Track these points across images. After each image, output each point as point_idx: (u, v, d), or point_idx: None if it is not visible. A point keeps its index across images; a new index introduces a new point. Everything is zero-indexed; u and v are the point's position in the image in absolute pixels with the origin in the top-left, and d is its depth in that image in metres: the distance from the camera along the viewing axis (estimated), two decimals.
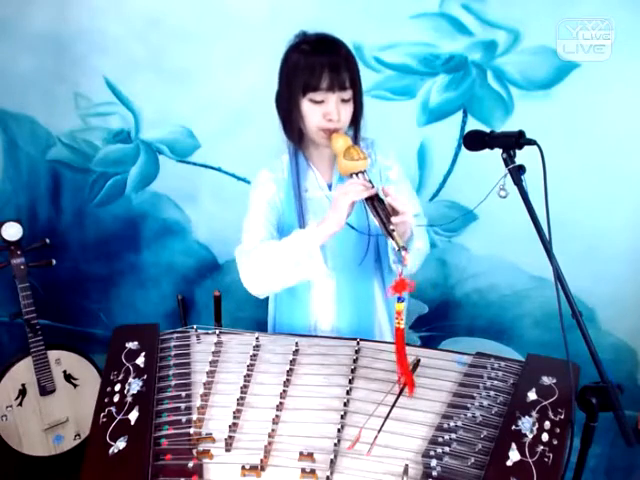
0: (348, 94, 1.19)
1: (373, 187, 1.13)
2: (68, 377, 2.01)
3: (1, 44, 1.94)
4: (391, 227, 1.08)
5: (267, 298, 1.46)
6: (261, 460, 0.91)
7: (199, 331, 1.28)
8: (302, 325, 1.37)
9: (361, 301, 1.36)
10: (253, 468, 0.90)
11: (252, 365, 1.15)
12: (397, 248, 1.06)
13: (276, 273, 1.21)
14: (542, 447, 0.90)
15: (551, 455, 0.89)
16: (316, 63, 1.15)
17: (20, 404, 1.94)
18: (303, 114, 1.21)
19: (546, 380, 1.06)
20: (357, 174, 1.15)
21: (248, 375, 1.12)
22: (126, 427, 0.98)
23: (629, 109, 1.66)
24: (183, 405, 1.04)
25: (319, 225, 1.16)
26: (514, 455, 0.89)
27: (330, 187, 1.32)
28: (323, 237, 1.16)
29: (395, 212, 1.11)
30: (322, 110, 1.19)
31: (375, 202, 1.11)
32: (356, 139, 1.28)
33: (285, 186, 1.32)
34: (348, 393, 1.07)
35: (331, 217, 1.15)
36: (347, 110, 1.21)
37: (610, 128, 1.68)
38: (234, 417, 1.01)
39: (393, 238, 1.07)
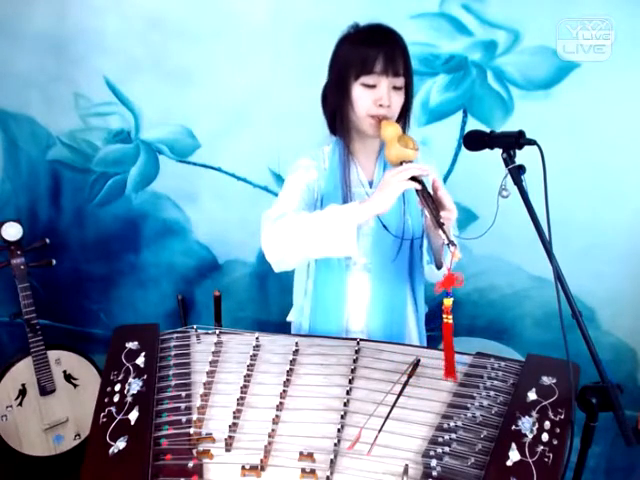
0: (400, 81, 1.18)
1: (422, 182, 1.10)
2: (68, 377, 2.01)
3: (1, 44, 1.94)
4: (442, 220, 1.06)
5: (292, 301, 1.47)
6: (261, 460, 0.91)
7: (199, 331, 1.27)
8: (335, 327, 1.35)
9: (394, 306, 1.35)
10: (253, 468, 0.90)
11: (252, 365, 1.15)
12: (446, 242, 1.03)
13: (301, 243, 1.14)
14: (542, 447, 0.90)
15: (551, 455, 0.89)
16: (371, 47, 1.15)
17: (20, 404, 1.94)
18: (353, 100, 1.20)
19: (546, 380, 1.06)
20: (407, 163, 1.12)
21: (248, 375, 1.12)
22: (126, 427, 0.98)
23: (629, 109, 1.66)
24: (183, 405, 1.04)
25: (362, 203, 1.12)
26: (514, 455, 0.89)
27: (371, 184, 1.31)
28: (365, 215, 1.11)
29: (442, 207, 1.09)
30: (373, 95, 1.18)
31: (425, 194, 1.09)
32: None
33: (326, 176, 1.30)
34: (348, 393, 1.07)
35: (378, 196, 1.10)
36: (398, 98, 1.20)
37: (610, 128, 1.68)
38: (234, 417, 1.01)
39: (444, 231, 1.04)
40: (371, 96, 1.18)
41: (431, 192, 1.10)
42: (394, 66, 1.15)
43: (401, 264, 1.33)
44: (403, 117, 1.26)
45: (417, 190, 1.09)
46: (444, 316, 1.08)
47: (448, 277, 1.04)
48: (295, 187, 1.27)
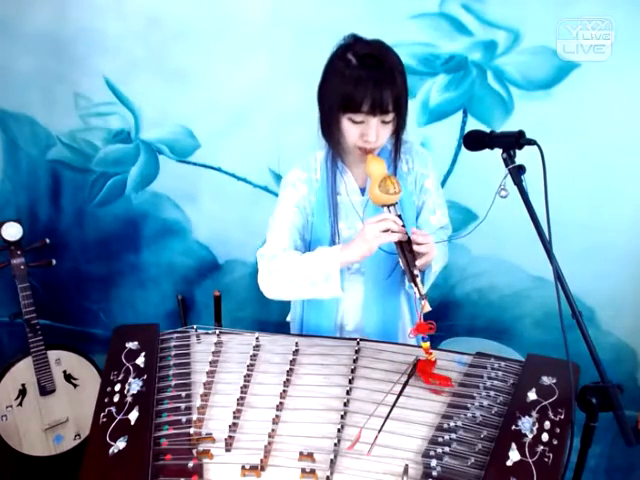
0: (390, 117, 1.15)
1: (404, 225, 1.13)
2: (68, 377, 2.01)
3: (1, 44, 1.94)
4: (416, 272, 1.09)
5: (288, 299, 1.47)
6: (261, 460, 0.91)
7: (199, 331, 1.28)
8: (328, 325, 1.36)
9: (387, 309, 1.36)
10: (253, 468, 0.90)
11: (252, 365, 1.15)
12: (418, 295, 1.09)
13: (292, 286, 1.22)
14: (542, 447, 0.90)
15: (551, 455, 0.89)
16: (360, 83, 1.09)
17: (20, 404, 1.94)
18: (341, 129, 1.18)
19: (546, 380, 1.06)
20: (389, 206, 1.15)
21: (248, 375, 1.12)
22: (126, 427, 0.98)
23: (629, 109, 1.66)
24: (183, 405, 1.04)
25: (343, 249, 1.17)
26: (514, 455, 0.89)
27: (363, 191, 1.30)
28: (344, 263, 1.17)
29: (419, 256, 1.12)
30: (360, 129, 1.15)
31: (403, 244, 1.12)
32: (396, 153, 1.26)
33: (318, 188, 1.30)
34: (348, 393, 1.07)
35: (357, 247, 1.15)
36: (386, 131, 1.18)
37: (610, 128, 1.68)
38: (234, 417, 1.01)
39: (416, 285, 1.09)
40: (358, 130, 1.16)
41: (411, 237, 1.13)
42: (382, 105, 1.11)
43: (395, 273, 1.33)
44: (395, 135, 1.23)
45: (395, 242, 1.13)
46: (426, 354, 1.13)
47: (420, 325, 1.10)
48: (285, 215, 1.30)
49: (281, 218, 1.30)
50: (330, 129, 1.21)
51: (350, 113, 1.14)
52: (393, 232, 1.12)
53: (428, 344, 1.12)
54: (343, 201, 1.30)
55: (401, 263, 1.13)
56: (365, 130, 1.15)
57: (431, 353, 1.12)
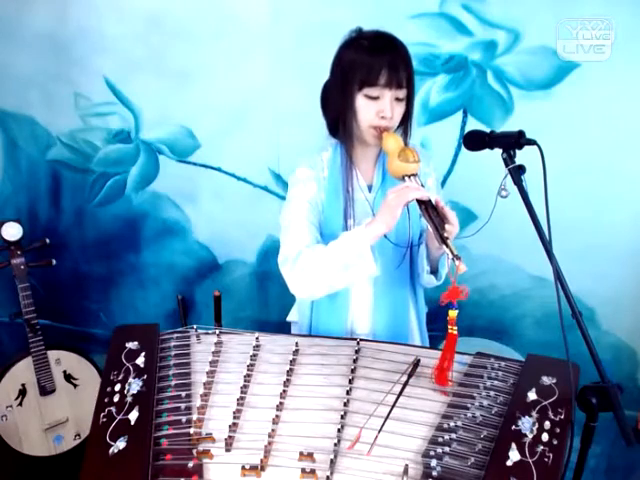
0: (403, 93, 1.18)
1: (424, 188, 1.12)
2: (68, 377, 2.01)
3: (1, 44, 1.95)
4: (445, 234, 1.07)
5: (292, 301, 1.47)
6: (261, 460, 0.91)
7: (199, 331, 1.27)
8: (339, 329, 1.35)
9: (397, 308, 1.36)
10: (253, 468, 0.90)
11: (252, 365, 1.15)
12: (451, 256, 1.05)
13: (326, 277, 1.19)
14: (542, 447, 0.90)
15: (551, 455, 0.89)
16: (375, 59, 1.15)
17: (20, 404, 1.94)
18: (356, 110, 1.20)
19: (546, 380, 1.06)
20: (409, 177, 1.14)
21: (248, 375, 1.12)
22: (126, 427, 0.98)
23: (629, 109, 1.66)
24: (183, 405, 1.04)
25: (367, 226, 1.16)
26: (514, 455, 0.89)
27: (370, 188, 1.31)
28: (372, 238, 1.15)
29: (446, 220, 1.10)
30: (376, 107, 1.18)
31: (429, 208, 1.11)
32: (405, 143, 1.26)
33: (326, 185, 1.30)
34: (348, 393, 1.07)
35: (381, 218, 1.14)
36: (400, 109, 1.20)
37: (610, 128, 1.68)
38: (234, 417, 1.01)
39: (447, 246, 1.06)
40: (374, 107, 1.18)
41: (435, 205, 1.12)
42: (398, 78, 1.15)
43: (403, 268, 1.33)
44: (404, 125, 1.25)
45: (420, 206, 1.11)
46: (449, 327, 1.09)
47: (453, 289, 1.05)
48: (299, 212, 1.28)
49: (296, 216, 1.28)
50: (344, 114, 1.22)
51: (367, 88, 1.16)
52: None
53: (456, 313, 1.07)
54: (351, 198, 1.30)
55: (430, 228, 1.11)
56: (381, 106, 1.17)
57: (455, 325, 1.08)
